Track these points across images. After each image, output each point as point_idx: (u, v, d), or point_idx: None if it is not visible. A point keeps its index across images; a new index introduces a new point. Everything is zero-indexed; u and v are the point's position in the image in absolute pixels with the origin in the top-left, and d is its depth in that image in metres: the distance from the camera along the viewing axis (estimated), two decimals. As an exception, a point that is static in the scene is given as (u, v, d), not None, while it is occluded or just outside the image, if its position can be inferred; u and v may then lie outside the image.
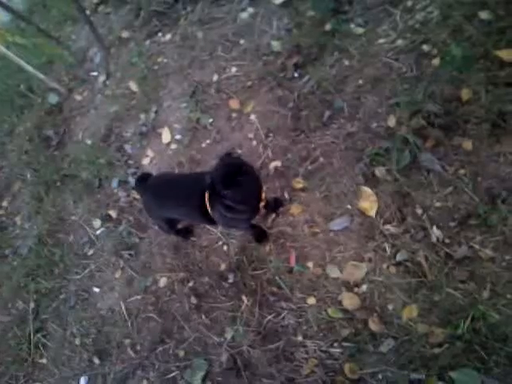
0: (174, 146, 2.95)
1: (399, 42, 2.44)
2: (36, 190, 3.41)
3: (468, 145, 2.06)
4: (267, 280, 2.28)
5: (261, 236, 2.35)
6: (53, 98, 3.73)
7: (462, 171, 2.04)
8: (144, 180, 2.29)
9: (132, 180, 2.97)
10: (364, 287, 2.07)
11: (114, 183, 3.04)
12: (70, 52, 3.80)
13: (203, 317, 2.36)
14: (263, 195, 1.98)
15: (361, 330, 2.00)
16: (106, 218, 2.97)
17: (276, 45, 2.81)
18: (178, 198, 2.11)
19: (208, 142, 2.81)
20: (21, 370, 2.80)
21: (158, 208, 2.27)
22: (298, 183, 2.37)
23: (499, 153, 1.99)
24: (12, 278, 3.15)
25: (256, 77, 2.82)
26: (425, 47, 2.35)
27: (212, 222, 2.07)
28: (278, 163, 2.49)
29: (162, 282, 2.56)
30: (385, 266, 2.06)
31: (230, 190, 1.73)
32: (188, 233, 2.59)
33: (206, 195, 1.92)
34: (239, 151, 2.66)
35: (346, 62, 2.56)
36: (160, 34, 3.45)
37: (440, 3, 2.39)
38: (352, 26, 2.62)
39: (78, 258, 2.96)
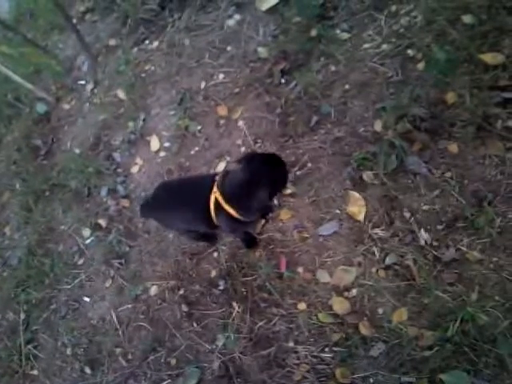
0: (162, 154, 2.94)
1: (384, 46, 2.46)
2: (25, 200, 3.38)
3: (454, 148, 2.07)
4: (258, 286, 2.28)
5: (251, 242, 2.35)
6: (41, 108, 3.71)
7: (448, 174, 2.05)
8: (146, 205, 2.28)
9: (121, 188, 2.97)
10: (354, 291, 2.07)
11: (103, 192, 3.03)
12: (58, 61, 3.79)
13: (194, 324, 2.36)
14: None
15: (351, 335, 2.00)
16: (96, 227, 2.95)
17: (263, 51, 2.82)
18: (181, 205, 2.08)
19: (197, 149, 2.81)
20: (12, 381, 2.77)
21: (171, 220, 2.28)
22: (287, 189, 2.38)
23: (485, 155, 2.01)
24: (2, 289, 3.13)
25: (243, 83, 2.82)
26: (410, 51, 2.37)
27: (213, 227, 2.05)
28: (266, 169, 2.49)
29: (153, 290, 2.55)
30: (374, 269, 2.06)
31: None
32: (212, 238, 2.50)
33: (212, 198, 1.89)
34: (228, 158, 2.66)
35: (333, 68, 2.57)
36: (147, 42, 3.45)
37: (424, 8, 2.41)
38: (337, 31, 2.64)
39: (68, 268, 2.94)
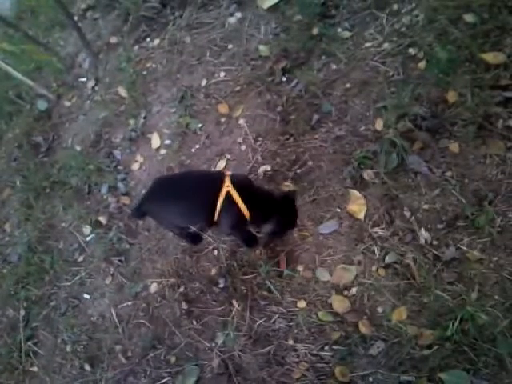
0: (163, 151, 2.94)
1: (386, 45, 2.46)
2: (25, 197, 3.38)
3: (455, 147, 2.07)
4: (258, 284, 2.28)
5: (251, 241, 2.34)
6: (42, 105, 3.71)
7: (449, 173, 2.06)
8: (139, 208, 2.25)
9: (121, 186, 2.97)
10: (354, 290, 2.07)
11: (104, 189, 3.03)
12: (59, 58, 3.78)
13: (194, 322, 2.36)
14: None
15: (351, 333, 2.00)
16: (96, 225, 2.95)
17: (264, 49, 2.82)
18: (180, 199, 2.06)
19: (197, 146, 2.81)
20: (11, 378, 2.76)
21: (166, 216, 2.25)
22: (288, 187, 2.38)
23: (485, 155, 2.01)
24: (2, 286, 3.12)
25: (244, 81, 2.82)
26: (411, 50, 2.37)
27: (210, 223, 2.05)
28: (267, 167, 2.50)
29: (153, 287, 2.55)
30: (374, 268, 2.07)
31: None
32: (197, 237, 2.46)
33: (223, 192, 1.91)
34: (228, 156, 2.67)
35: (334, 66, 2.57)
36: (148, 40, 3.45)
37: (425, 7, 2.42)
38: (339, 29, 2.64)
39: (68, 265, 2.93)
